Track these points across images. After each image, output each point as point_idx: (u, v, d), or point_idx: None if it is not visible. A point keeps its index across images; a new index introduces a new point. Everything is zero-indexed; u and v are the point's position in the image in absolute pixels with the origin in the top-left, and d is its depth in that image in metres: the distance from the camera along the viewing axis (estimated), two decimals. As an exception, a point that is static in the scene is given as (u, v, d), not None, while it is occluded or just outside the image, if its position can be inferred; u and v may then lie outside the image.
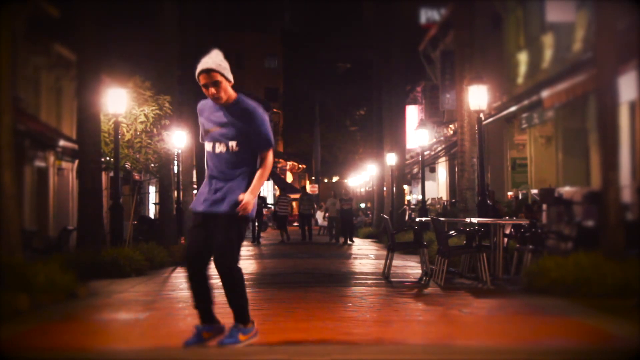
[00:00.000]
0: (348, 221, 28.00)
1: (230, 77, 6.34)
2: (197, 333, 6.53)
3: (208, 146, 6.40)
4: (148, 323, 8.47)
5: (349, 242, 27.09)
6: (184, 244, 6.52)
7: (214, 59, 6.32)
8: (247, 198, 6.19)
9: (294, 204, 50.31)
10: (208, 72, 6.28)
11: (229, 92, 6.33)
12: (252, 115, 6.29)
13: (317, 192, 56.58)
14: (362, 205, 50.81)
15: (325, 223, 34.69)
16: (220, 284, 6.36)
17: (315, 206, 31.47)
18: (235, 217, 6.19)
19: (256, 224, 27.43)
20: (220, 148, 6.32)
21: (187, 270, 6.35)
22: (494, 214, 15.30)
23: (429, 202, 26.95)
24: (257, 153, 6.33)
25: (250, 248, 24.69)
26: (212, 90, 6.30)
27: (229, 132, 6.31)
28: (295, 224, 37.56)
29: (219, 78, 6.28)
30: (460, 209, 18.34)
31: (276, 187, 32.25)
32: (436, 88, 32.24)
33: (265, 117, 6.33)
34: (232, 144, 6.29)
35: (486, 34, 23.51)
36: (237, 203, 6.19)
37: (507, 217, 15.83)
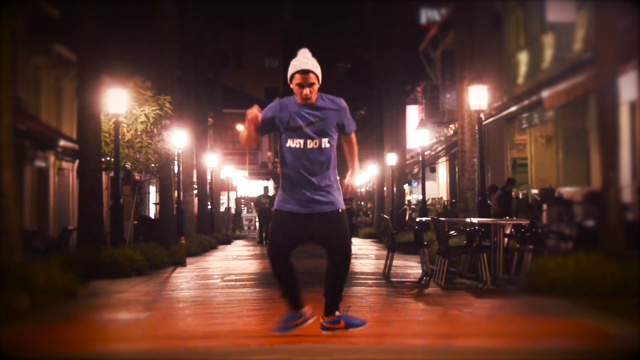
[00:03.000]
0: (349, 221, 27.71)
1: (321, 78, 6.52)
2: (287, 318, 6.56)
3: (296, 143, 6.46)
4: (148, 323, 8.47)
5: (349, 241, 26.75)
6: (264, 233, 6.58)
7: (312, 61, 6.48)
8: (353, 180, 6.72)
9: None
10: (307, 72, 6.40)
11: (317, 93, 6.52)
12: (341, 106, 6.60)
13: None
14: (361, 203, 50.76)
15: None
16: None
17: None
18: (343, 210, 6.60)
19: (263, 225, 27.34)
20: (312, 145, 6.45)
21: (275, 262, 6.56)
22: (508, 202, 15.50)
23: (429, 202, 26.95)
24: (344, 135, 6.69)
25: (251, 248, 24.70)
26: (307, 90, 6.41)
27: (321, 129, 6.46)
28: None
29: (315, 80, 6.43)
30: (460, 209, 18.34)
31: (276, 186, 32.15)
32: (436, 88, 32.23)
33: (343, 102, 6.70)
34: (325, 140, 6.48)
35: (486, 34, 23.51)
36: (340, 200, 6.57)
37: (507, 217, 15.82)
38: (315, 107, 6.48)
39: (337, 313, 6.55)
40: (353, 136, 6.83)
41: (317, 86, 6.48)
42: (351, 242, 25.00)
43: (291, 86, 6.50)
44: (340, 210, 6.54)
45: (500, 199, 19.02)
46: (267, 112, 6.52)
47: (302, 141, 6.44)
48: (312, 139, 6.44)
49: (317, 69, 6.48)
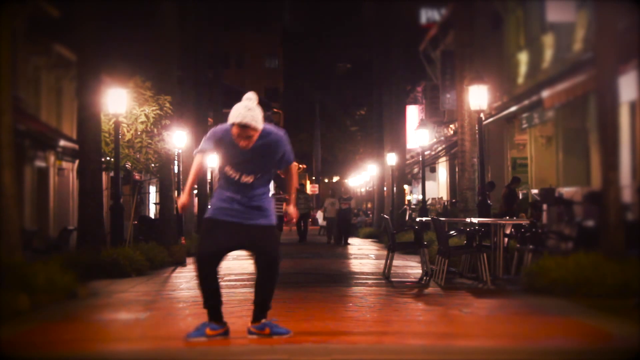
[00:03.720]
0: (346, 221, 27.47)
1: (262, 125, 6.60)
2: (201, 327, 6.84)
3: (232, 174, 6.70)
4: (148, 323, 8.47)
5: (346, 243, 26.38)
6: (196, 244, 6.81)
7: (252, 112, 6.53)
8: (294, 210, 6.94)
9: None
10: (245, 127, 6.52)
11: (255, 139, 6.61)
12: (278, 145, 6.72)
13: (317, 192, 56.59)
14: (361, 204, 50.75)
15: (325, 223, 34.43)
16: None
17: (311, 205, 30.89)
18: (273, 225, 6.87)
19: None
20: (247, 179, 6.70)
21: (201, 270, 6.93)
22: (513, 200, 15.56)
23: (429, 202, 26.94)
24: (282, 168, 6.89)
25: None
26: (244, 142, 6.57)
27: (256, 166, 6.67)
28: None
29: (253, 133, 6.55)
30: (460, 208, 18.34)
31: (276, 185, 32.12)
32: (436, 88, 32.23)
33: (286, 138, 6.83)
34: (259, 175, 6.71)
35: (486, 34, 23.51)
36: (275, 216, 6.86)
37: (507, 217, 15.82)
38: (252, 147, 6.61)
39: (263, 320, 6.83)
40: (293, 167, 6.96)
41: (255, 136, 6.58)
42: (348, 243, 24.71)
43: (231, 130, 6.59)
44: (270, 225, 6.78)
45: (506, 197, 19.01)
46: (206, 144, 6.71)
47: (238, 174, 6.67)
48: (248, 174, 6.67)
49: (256, 121, 6.53)
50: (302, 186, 33.92)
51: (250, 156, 6.63)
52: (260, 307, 6.85)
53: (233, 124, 6.55)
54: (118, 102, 15.64)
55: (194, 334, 6.83)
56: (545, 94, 17.14)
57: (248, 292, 11.29)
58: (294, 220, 7.02)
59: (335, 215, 27.72)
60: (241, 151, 6.61)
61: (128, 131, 17.21)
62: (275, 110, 59.16)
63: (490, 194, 18.26)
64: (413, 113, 36.96)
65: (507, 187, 19.44)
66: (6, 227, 10.43)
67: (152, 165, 18.41)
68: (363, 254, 20.69)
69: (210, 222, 6.78)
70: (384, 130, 31.04)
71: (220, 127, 6.75)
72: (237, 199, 6.71)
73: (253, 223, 6.73)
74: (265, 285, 6.84)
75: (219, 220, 6.74)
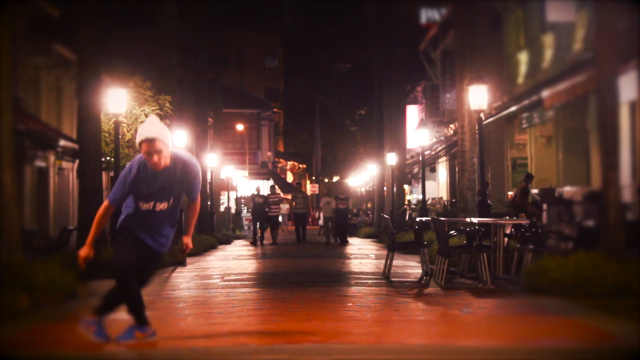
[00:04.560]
0: (343, 221, 27.39)
1: (170, 142, 6.66)
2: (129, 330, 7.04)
3: (145, 205, 6.73)
4: (148, 323, 8.45)
5: (344, 242, 26.22)
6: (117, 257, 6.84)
7: (156, 127, 6.58)
8: (189, 242, 7.07)
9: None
10: (152, 141, 6.52)
11: (167, 156, 6.63)
12: (190, 172, 6.73)
13: (317, 192, 56.56)
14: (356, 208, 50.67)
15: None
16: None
17: (310, 205, 30.70)
18: (163, 254, 7.11)
19: (257, 225, 27.12)
20: (161, 206, 6.73)
21: (126, 279, 7.11)
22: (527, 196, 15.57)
23: (429, 202, 26.94)
24: (189, 199, 6.93)
25: (251, 248, 24.70)
26: (155, 158, 6.56)
27: (170, 192, 6.71)
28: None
29: (162, 146, 6.54)
30: (460, 208, 18.34)
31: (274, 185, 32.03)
32: (436, 88, 32.23)
33: (199, 169, 6.88)
34: (171, 200, 6.73)
35: (486, 34, 23.51)
36: (168, 246, 7.02)
37: (507, 217, 15.82)
38: (165, 172, 6.64)
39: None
40: (197, 202, 7.01)
41: (165, 151, 6.58)
42: (347, 243, 24.70)
43: (141, 153, 6.63)
44: (160, 254, 6.99)
45: (522, 192, 18.98)
46: (118, 190, 6.75)
47: (152, 204, 6.70)
48: (161, 201, 6.70)
49: (162, 134, 6.56)
50: (300, 185, 33.77)
51: (163, 179, 6.65)
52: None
53: (141, 143, 6.56)
54: (118, 102, 15.64)
55: (123, 336, 6.99)
56: (545, 94, 17.13)
57: (248, 292, 11.29)
58: (187, 251, 7.15)
59: (332, 214, 27.59)
60: (154, 176, 6.62)
61: (128, 131, 17.21)
62: (275, 110, 59.18)
63: (490, 193, 18.27)
64: (413, 113, 36.98)
65: (525, 181, 19.40)
66: (6, 227, 10.43)
67: (152, 165, 18.41)
68: (363, 254, 20.68)
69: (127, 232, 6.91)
70: (384, 130, 31.04)
71: (136, 158, 6.83)
72: (147, 231, 6.84)
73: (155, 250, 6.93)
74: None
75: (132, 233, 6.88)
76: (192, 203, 6.92)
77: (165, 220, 6.81)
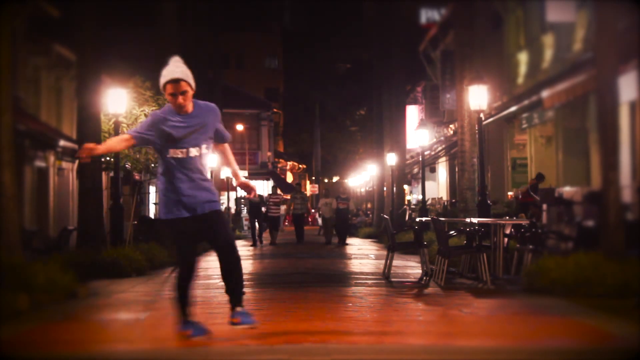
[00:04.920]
0: (343, 221, 27.35)
1: (194, 85, 6.58)
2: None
3: (178, 151, 6.56)
4: (148, 323, 8.47)
5: (344, 243, 26.24)
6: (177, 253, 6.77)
7: (181, 68, 6.52)
8: (242, 179, 6.99)
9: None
10: (177, 81, 6.46)
11: (191, 101, 6.56)
12: (216, 114, 6.68)
13: (317, 192, 56.59)
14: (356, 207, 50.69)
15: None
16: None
17: (309, 206, 30.53)
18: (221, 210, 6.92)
19: (256, 225, 27.09)
20: (194, 152, 6.57)
21: (185, 276, 6.93)
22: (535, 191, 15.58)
23: (429, 202, 26.94)
24: (220, 144, 6.87)
25: (250, 248, 24.69)
26: (180, 99, 6.48)
27: (200, 136, 6.57)
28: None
29: (187, 87, 6.48)
30: (460, 209, 18.34)
31: (275, 185, 32.02)
32: (436, 88, 32.23)
33: (218, 110, 6.82)
34: (204, 146, 6.61)
35: (486, 34, 23.52)
36: (217, 200, 6.83)
37: (507, 217, 15.82)
38: (192, 115, 6.55)
39: (237, 309, 6.82)
40: (228, 146, 6.98)
41: (190, 93, 6.53)
42: (347, 243, 24.74)
43: (165, 96, 6.56)
44: (218, 210, 6.78)
45: (533, 188, 18.96)
46: (143, 126, 6.61)
47: (185, 150, 6.56)
48: (194, 147, 6.56)
49: (188, 76, 6.52)
50: (299, 185, 33.73)
51: (191, 123, 6.55)
52: (232, 295, 6.81)
53: (165, 85, 6.49)
54: (118, 102, 15.64)
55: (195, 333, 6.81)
56: (545, 94, 17.13)
57: (247, 292, 11.28)
58: (253, 192, 7.07)
59: (331, 214, 27.53)
60: (182, 120, 6.52)
61: (128, 131, 17.21)
62: (275, 110, 59.17)
63: (489, 194, 18.25)
64: (413, 113, 36.97)
65: (535, 180, 19.40)
66: (6, 227, 10.44)
67: (152, 165, 18.41)
68: (363, 254, 20.69)
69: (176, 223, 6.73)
70: (384, 130, 31.04)
71: (160, 111, 6.70)
72: (186, 177, 6.61)
73: (203, 212, 6.68)
74: (231, 273, 6.80)
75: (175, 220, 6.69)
76: (223, 145, 6.90)
77: (201, 168, 6.63)
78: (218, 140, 6.79)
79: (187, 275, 6.83)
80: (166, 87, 6.49)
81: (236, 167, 7.07)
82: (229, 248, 6.76)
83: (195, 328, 6.82)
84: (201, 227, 6.69)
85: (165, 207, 6.67)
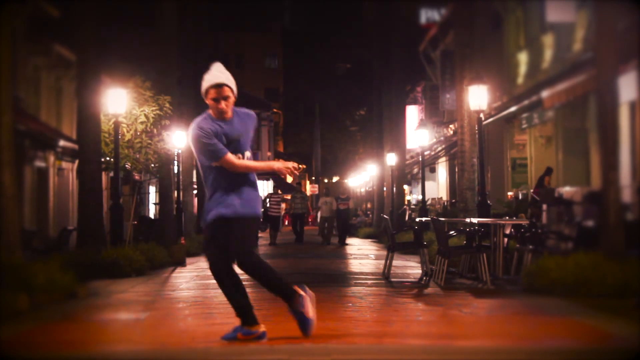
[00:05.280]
0: (344, 221, 27.31)
1: (236, 92, 6.55)
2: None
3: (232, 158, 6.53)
4: (148, 323, 8.47)
5: (344, 243, 26.20)
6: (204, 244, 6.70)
7: (225, 74, 6.48)
8: (287, 162, 6.72)
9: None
10: (220, 86, 6.42)
11: (232, 106, 6.52)
12: (253, 121, 6.65)
13: (317, 192, 56.55)
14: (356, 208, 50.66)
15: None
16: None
17: (309, 205, 30.45)
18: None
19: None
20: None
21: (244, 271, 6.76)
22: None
23: (429, 202, 26.94)
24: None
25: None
26: (222, 104, 6.44)
27: (243, 142, 6.56)
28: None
29: (230, 93, 6.45)
30: (460, 209, 18.34)
31: (275, 185, 32.00)
32: (436, 88, 32.23)
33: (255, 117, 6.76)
34: (248, 154, 6.58)
35: (486, 34, 23.51)
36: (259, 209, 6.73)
37: (507, 217, 15.82)
38: (233, 122, 6.51)
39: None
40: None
41: (232, 100, 6.48)
42: (346, 244, 24.62)
43: (206, 101, 6.51)
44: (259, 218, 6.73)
45: (540, 180, 18.93)
46: (214, 139, 6.50)
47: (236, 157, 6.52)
48: (237, 153, 6.51)
49: (231, 82, 6.48)
50: (300, 185, 33.69)
51: (231, 131, 6.49)
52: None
53: (208, 90, 6.44)
54: (118, 102, 15.64)
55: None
56: (545, 94, 17.13)
57: (247, 292, 11.28)
58: (293, 169, 6.74)
59: (330, 214, 27.50)
60: (227, 128, 6.47)
61: (128, 131, 17.21)
62: (275, 110, 59.16)
63: (489, 194, 18.26)
64: (413, 113, 36.96)
65: (546, 175, 19.38)
66: (6, 227, 10.43)
67: (152, 165, 18.43)
68: (363, 254, 20.69)
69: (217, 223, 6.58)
70: (384, 130, 31.04)
71: (200, 120, 6.55)
72: (230, 184, 6.55)
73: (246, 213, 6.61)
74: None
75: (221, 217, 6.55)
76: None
77: (245, 177, 6.56)
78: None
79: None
80: (209, 92, 6.44)
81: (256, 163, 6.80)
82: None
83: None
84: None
85: (227, 206, 6.55)
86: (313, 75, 63.56)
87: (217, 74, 6.47)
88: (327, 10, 64.75)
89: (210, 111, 6.54)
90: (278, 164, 6.63)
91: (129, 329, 8.18)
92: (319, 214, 29.84)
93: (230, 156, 6.49)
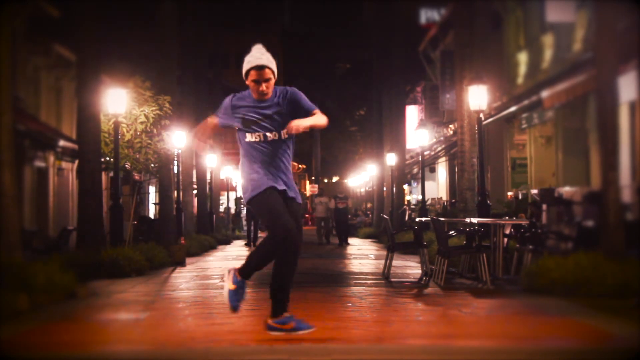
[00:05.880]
0: (343, 221, 27.27)
1: (276, 69, 6.55)
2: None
3: (254, 135, 6.51)
4: (148, 323, 8.47)
5: (344, 243, 26.19)
6: (276, 221, 6.49)
7: (266, 55, 6.51)
8: (299, 124, 6.42)
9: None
10: (262, 68, 6.45)
11: (273, 87, 6.54)
12: (295, 92, 6.56)
13: (317, 192, 56.56)
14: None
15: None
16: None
17: (308, 205, 30.36)
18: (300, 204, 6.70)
19: (252, 225, 27.02)
20: (271, 136, 6.50)
21: (291, 245, 6.43)
22: None
23: (428, 202, 26.94)
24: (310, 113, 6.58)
25: (245, 248, 24.68)
26: (263, 86, 6.47)
27: (277, 120, 6.49)
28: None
29: (270, 75, 6.47)
30: (460, 209, 18.34)
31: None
32: (436, 88, 32.22)
33: (296, 90, 6.66)
34: (283, 132, 6.50)
35: (486, 34, 23.45)
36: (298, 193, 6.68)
37: (507, 217, 15.82)
38: (271, 101, 6.52)
39: (285, 314, 6.50)
40: (317, 111, 6.62)
41: (273, 81, 6.51)
42: (347, 244, 24.58)
43: (247, 82, 6.54)
44: (299, 202, 6.64)
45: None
46: (225, 108, 6.62)
47: (261, 134, 6.50)
48: (271, 131, 6.49)
49: (272, 63, 6.50)
50: (296, 184, 33.64)
51: (268, 108, 6.50)
52: (281, 297, 6.53)
53: (249, 71, 6.47)
54: (118, 102, 15.64)
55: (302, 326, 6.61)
56: (545, 94, 17.13)
57: (248, 292, 11.28)
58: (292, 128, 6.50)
59: (326, 214, 27.49)
60: (261, 105, 6.50)
61: (128, 131, 17.21)
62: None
63: (489, 194, 18.25)
64: (413, 113, 36.96)
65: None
66: (6, 227, 10.43)
67: (152, 165, 18.42)
68: (362, 254, 20.69)
69: (268, 192, 6.45)
70: (384, 130, 31.04)
71: (237, 94, 6.67)
72: (265, 159, 6.50)
73: (291, 196, 6.57)
74: (284, 271, 6.51)
75: (273, 188, 6.46)
76: (313, 113, 6.57)
77: (281, 154, 6.50)
78: (307, 113, 6.55)
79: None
80: (250, 73, 6.47)
81: (313, 119, 6.57)
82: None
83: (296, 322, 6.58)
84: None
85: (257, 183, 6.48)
86: (313, 75, 63.56)
87: (259, 55, 6.51)
88: (327, 10, 64.75)
89: (250, 91, 6.58)
90: None
91: (128, 329, 8.18)
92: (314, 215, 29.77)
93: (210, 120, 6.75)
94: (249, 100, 6.57)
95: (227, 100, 6.67)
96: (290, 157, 6.63)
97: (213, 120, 6.73)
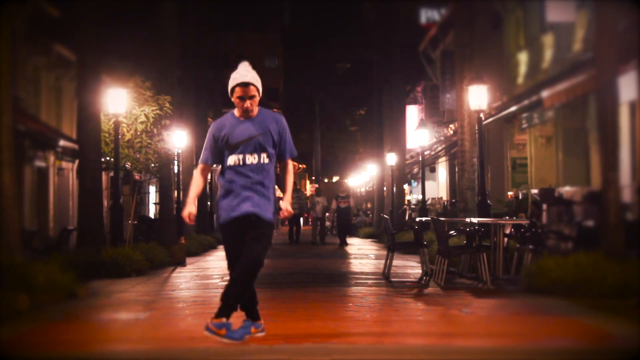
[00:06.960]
0: (345, 221, 27.22)
1: (261, 87, 6.58)
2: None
3: (234, 157, 6.44)
4: (148, 323, 8.48)
5: (345, 243, 26.11)
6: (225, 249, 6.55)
7: (251, 73, 6.56)
8: (288, 206, 6.51)
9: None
10: (247, 85, 6.49)
11: (257, 106, 6.54)
12: (280, 121, 6.56)
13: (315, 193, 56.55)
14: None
15: (328, 224, 34.14)
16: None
17: (308, 205, 30.36)
18: (271, 223, 6.52)
19: None
20: (251, 159, 6.44)
21: (240, 277, 6.59)
22: None
23: (429, 202, 26.94)
24: (280, 161, 6.58)
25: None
26: (248, 103, 6.48)
27: (258, 144, 6.45)
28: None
29: (255, 92, 6.51)
30: (460, 208, 18.35)
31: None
32: (436, 88, 32.21)
33: (286, 124, 6.63)
34: (264, 155, 6.45)
35: (486, 34, 23.50)
36: (276, 211, 6.53)
37: (507, 217, 15.82)
38: (255, 120, 6.50)
39: (223, 319, 6.38)
40: (290, 164, 6.63)
41: (257, 99, 6.53)
42: (347, 244, 24.53)
43: (232, 99, 6.54)
44: (267, 220, 6.46)
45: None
46: (210, 147, 6.51)
47: (241, 157, 6.44)
48: (251, 154, 6.44)
49: (257, 81, 6.55)
50: (295, 184, 33.59)
51: (253, 129, 6.45)
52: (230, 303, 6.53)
53: (234, 88, 6.49)
54: (118, 102, 15.64)
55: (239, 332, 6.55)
56: (545, 94, 17.13)
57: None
58: (285, 215, 6.56)
59: (322, 214, 27.50)
60: (244, 125, 6.46)
61: (128, 131, 17.21)
62: (275, 110, 59.15)
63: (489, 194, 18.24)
64: (413, 113, 36.95)
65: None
66: (6, 227, 10.43)
67: (152, 165, 18.42)
68: (363, 254, 20.69)
69: (224, 227, 6.51)
70: (384, 130, 31.04)
71: (216, 125, 6.61)
72: (241, 182, 6.43)
73: (260, 217, 6.43)
74: (243, 286, 6.58)
75: (233, 220, 6.45)
76: (284, 162, 6.57)
77: (259, 177, 6.42)
78: (278, 157, 6.55)
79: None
80: (235, 90, 6.50)
81: (288, 191, 6.64)
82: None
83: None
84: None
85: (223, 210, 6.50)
86: (313, 75, 63.60)
87: (245, 72, 6.56)
88: (327, 10, 64.77)
89: (235, 110, 6.58)
90: None
91: (129, 329, 8.18)
92: (330, 214, 29.76)
93: (199, 167, 6.62)
94: (230, 122, 6.52)
95: (209, 137, 6.54)
96: (269, 176, 6.51)
97: (202, 167, 6.60)
